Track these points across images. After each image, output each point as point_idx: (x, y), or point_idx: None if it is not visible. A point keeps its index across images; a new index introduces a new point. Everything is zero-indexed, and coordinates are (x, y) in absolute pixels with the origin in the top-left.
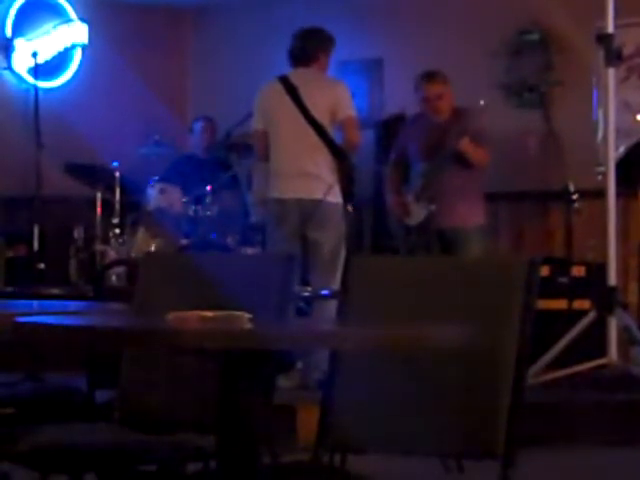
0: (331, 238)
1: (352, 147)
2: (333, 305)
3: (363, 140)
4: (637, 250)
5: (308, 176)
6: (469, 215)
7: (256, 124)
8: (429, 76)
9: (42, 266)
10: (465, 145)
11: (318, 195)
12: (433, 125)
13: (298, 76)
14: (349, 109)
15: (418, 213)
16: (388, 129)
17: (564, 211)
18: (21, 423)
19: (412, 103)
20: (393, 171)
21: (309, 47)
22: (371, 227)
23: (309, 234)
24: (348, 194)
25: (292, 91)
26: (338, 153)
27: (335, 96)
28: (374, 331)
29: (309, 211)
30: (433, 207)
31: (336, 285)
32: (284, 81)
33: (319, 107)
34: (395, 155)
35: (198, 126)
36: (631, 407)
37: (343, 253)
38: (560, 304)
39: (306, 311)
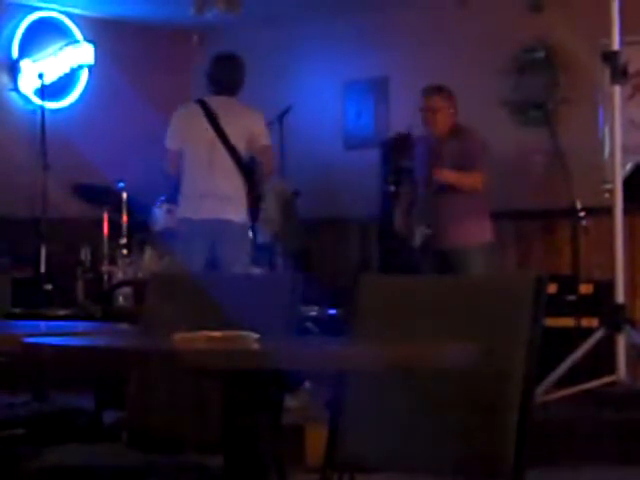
0: (240, 257)
1: (269, 174)
2: None
3: (369, 159)
4: None
5: (220, 197)
6: (469, 235)
7: (170, 144)
8: (429, 88)
9: (49, 287)
10: (444, 176)
11: (229, 216)
12: (432, 143)
13: (219, 102)
14: (266, 139)
15: (418, 236)
16: (394, 148)
17: (571, 229)
18: (27, 444)
19: (418, 122)
20: (405, 191)
21: (239, 77)
22: (378, 246)
23: (219, 253)
24: (255, 215)
25: (211, 116)
26: (250, 178)
27: (253, 125)
28: (382, 350)
29: (220, 231)
30: (429, 232)
31: None
32: (203, 105)
33: (236, 134)
34: (407, 175)
35: None
36: None
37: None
38: (568, 322)
39: (313, 331)
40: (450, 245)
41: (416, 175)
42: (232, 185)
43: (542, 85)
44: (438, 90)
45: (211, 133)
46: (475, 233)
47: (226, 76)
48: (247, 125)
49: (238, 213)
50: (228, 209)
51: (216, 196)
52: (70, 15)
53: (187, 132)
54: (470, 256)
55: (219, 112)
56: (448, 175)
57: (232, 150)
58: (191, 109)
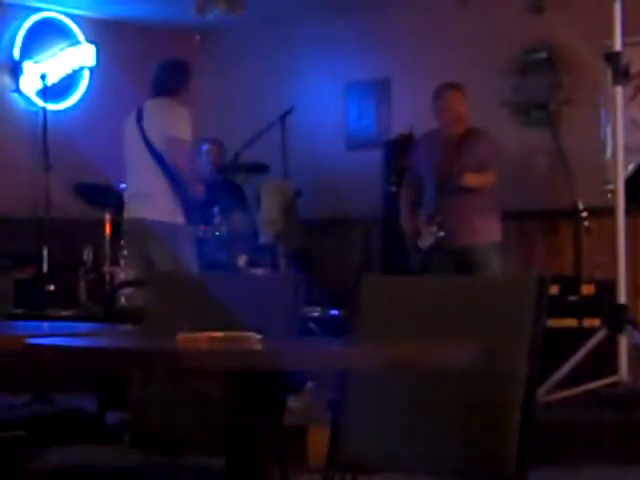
0: (166, 257)
1: (175, 167)
2: None
3: (371, 159)
4: None
5: (144, 197)
6: (482, 233)
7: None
8: (445, 85)
9: (51, 288)
10: (469, 181)
11: (151, 215)
12: (445, 141)
13: (149, 105)
14: (177, 131)
15: (428, 236)
16: (395, 149)
17: (573, 229)
18: (29, 445)
19: (420, 122)
20: (407, 191)
21: (168, 78)
22: (380, 246)
23: (148, 252)
24: (188, 216)
25: (139, 120)
26: (171, 177)
27: (168, 120)
28: (384, 351)
29: (145, 230)
30: (441, 234)
31: None
32: (138, 110)
33: (155, 134)
34: (409, 175)
35: (204, 148)
36: None
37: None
38: (570, 322)
39: (315, 331)
40: (462, 244)
41: (422, 174)
42: (156, 186)
43: (544, 86)
44: (454, 87)
45: (137, 135)
46: (487, 232)
47: (157, 77)
48: (163, 122)
49: (162, 212)
50: (152, 209)
51: (141, 196)
52: (72, 16)
53: (126, 140)
54: (484, 255)
55: (145, 115)
56: (472, 179)
57: (153, 151)
58: (130, 116)
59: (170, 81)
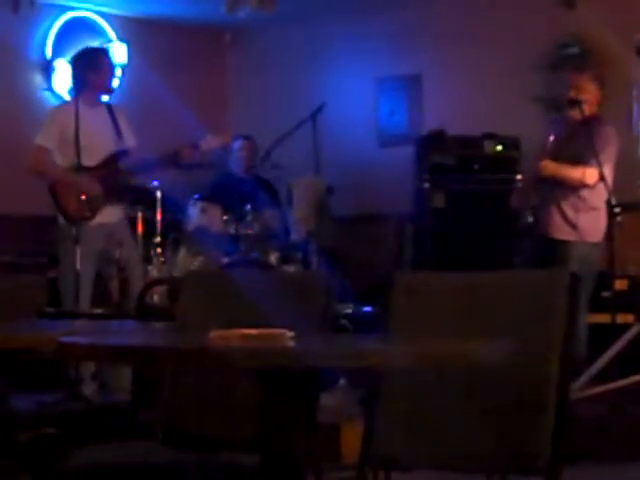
0: None
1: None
2: None
3: (403, 156)
4: None
5: None
6: (576, 229)
7: None
8: (578, 68)
9: None
10: (544, 169)
11: None
12: (566, 126)
13: None
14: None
15: (525, 218)
16: (427, 145)
17: (606, 225)
18: (64, 442)
19: (452, 118)
20: (528, 173)
21: (73, 77)
22: (412, 243)
23: None
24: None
25: None
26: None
27: None
28: (418, 348)
29: None
30: (530, 219)
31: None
32: None
33: None
34: (533, 157)
35: (236, 145)
36: None
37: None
38: (603, 318)
39: (348, 328)
40: (555, 236)
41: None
42: None
43: None
44: (579, 71)
45: None
46: (581, 229)
47: None
48: None
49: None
50: None
51: None
52: (103, 14)
53: None
54: (574, 252)
55: None
56: (548, 168)
57: None
58: None
59: (72, 78)
